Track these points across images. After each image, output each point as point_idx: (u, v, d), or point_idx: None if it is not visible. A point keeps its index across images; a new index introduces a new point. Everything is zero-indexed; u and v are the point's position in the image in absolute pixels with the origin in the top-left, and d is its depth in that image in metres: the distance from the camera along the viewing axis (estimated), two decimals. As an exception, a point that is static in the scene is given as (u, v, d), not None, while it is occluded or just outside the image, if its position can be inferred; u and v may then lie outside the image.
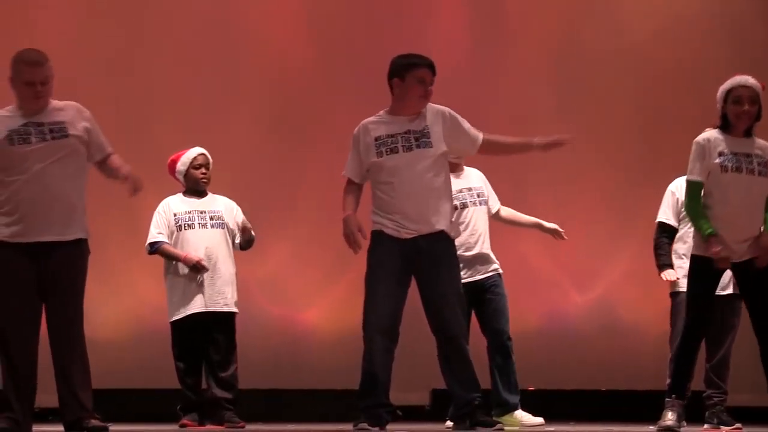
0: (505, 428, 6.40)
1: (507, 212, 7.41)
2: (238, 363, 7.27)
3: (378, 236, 5.96)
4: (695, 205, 6.18)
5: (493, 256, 7.15)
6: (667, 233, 7.15)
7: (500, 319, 7.10)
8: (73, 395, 5.63)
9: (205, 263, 7.13)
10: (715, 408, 6.98)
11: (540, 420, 7.20)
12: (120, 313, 8.86)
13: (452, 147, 6.05)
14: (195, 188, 7.36)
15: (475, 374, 6.03)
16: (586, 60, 9.51)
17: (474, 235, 7.08)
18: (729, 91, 6.17)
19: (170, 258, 7.23)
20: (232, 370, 7.21)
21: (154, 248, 7.26)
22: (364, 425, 5.88)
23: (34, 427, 5.75)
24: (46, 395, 5.81)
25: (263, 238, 7.62)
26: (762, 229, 6.15)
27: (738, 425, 6.90)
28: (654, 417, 6.48)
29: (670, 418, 6.26)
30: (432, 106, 6.06)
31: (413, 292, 6.03)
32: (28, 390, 5.64)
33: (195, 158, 7.36)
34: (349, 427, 6.00)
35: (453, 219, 6.29)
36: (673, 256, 7.12)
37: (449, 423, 6.59)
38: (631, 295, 9.23)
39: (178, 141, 7.70)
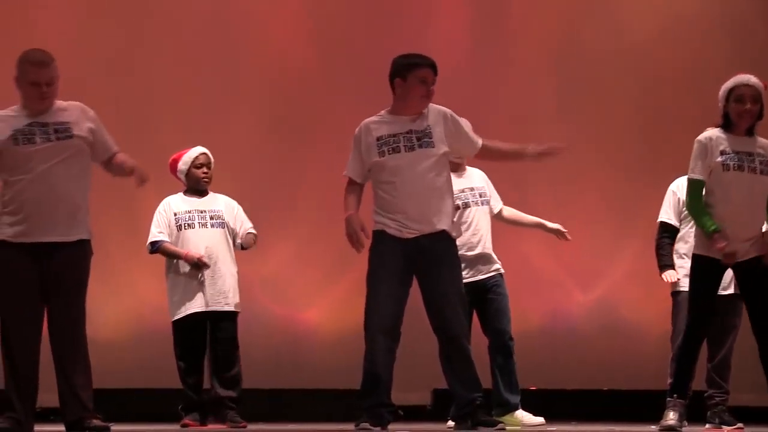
0: (507, 428, 6.39)
1: (509, 212, 7.41)
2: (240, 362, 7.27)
3: (380, 236, 5.95)
4: (697, 203, 6.19)
5: (494, 256, 7.15)
6: (668, 233, 7.15)
7: (502, 319, 7.10)
8: (75, 395, 5.63)
9: (206, 260, 7.13)
10: (716, 408, 6.97)
11: (540, 420, 7.20)
12: (121, 313, 8.86)
13: (453, 148, 6.06)
14: (196, 187, 7.36)
15: (477, 374, 6.02)
16: (586, 60, 9.51)
17: (476, 234, 7.08)
18: (731, 90, 6.18)
19: (171, 256, 7.23)
20: (235, 369, 7.21)
21: (155, 247, 7.25)
22: (366, 425, 5.87)
23: (36, 427, 5.74)
24: (48, 395, 5.80)
25: (264, 238, 7.62)
26: (765, 228, 6.15)
27: (740, 425, 6.89)
28: (656, 417, 6.48)
29: (671, 417, 6.27)
30: (433, 107, 6.06)
31: (414, 291, 6.03)
32: (29, 390, 5.64)
33: (197, 157, 7.36)
34: (351, 426, 6.00)
35: (455, 219, 6.29)
36: (675, 256, 7.12)
37: (450, 423, 6.59)
38: (632, 294, 9.23)
39: (179, 141, 7.69)
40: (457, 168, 6.91)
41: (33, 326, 5.64)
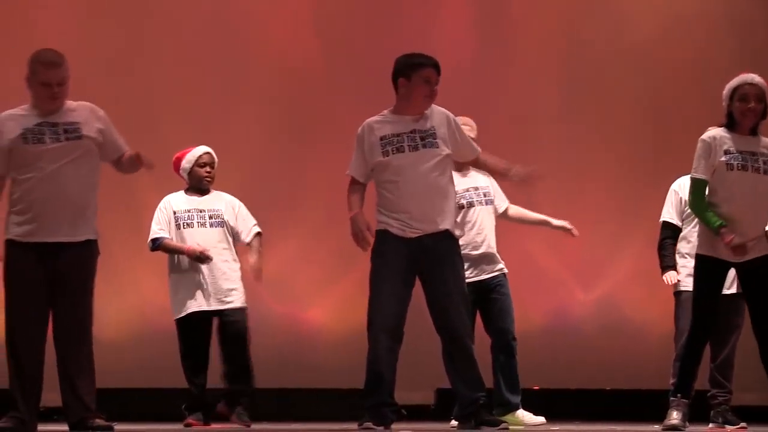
0: (510, 427, 6.39)
1: (515, 210, 7.39)
2: (244, 361, 7.28)
3: (383, 236, 5.95)
4: (700, 201, 6.18)
5: (498, 255, 7.15)
6: (671, 233, 7.15)
7: (506, 319, 7.10)
8: (77, 396, 5.63)
9: (209, 253, 7.12)
10: (720, 407, 6.97)
11: (541, 419, 7.20)
12: (124, 312, 8.85)
13: (453, 151, 6.06)
14: (198, 186, 7.36)
15: (480, 374, 6.03)
16: (590, 60, 9.50)
17: (480, 234, 7.07)
18: (735, 89, 6.18)
19: (173, 252, 7.23)
20: (241, 362, 7.18)
21: (156, 244, 7.26)
22: (369, 424, 5.88)
23: (39, 427, 5.74)
24: (52, 394, 5.80)
25: (267, 237, 7.61)
26: (769, 227, 6.16)
27: (743, 424, 6.89)
28: (658, 416, 6.48)
29: (675, 417, 6.27)
30: (436, 108, 6.07)
31: (418, 290, 6.02)
32: (34, 389, 5.64)
33: (200, 156, 7.36)
34: (354, 426, 6.01)
35: (459, 218, 6.31)
36: (677, 256, 7.12)
37: (454, 422, 6.59)
38: (635, 294, 9.22)
39: (180, 141, 7.69)
40: (462, 168, 6.90)
41: (38, 326, 5.64)
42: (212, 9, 9.37)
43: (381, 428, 5.87)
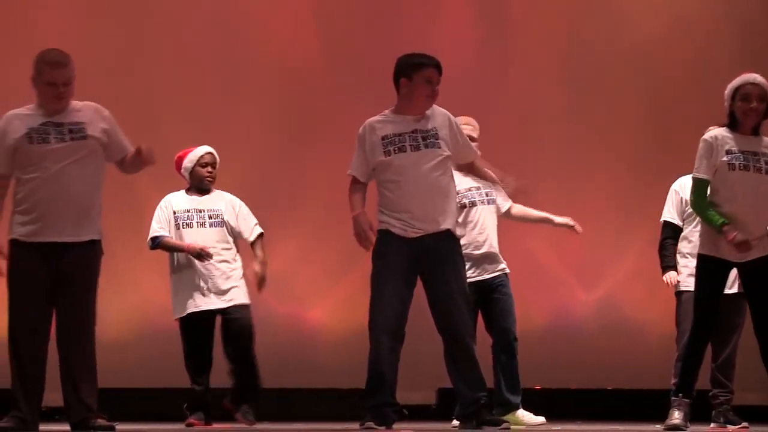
0: (512, 427, 6.40)
1: (518, 209, 7.38)
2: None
3: (384, 236, 5.95)
4: (702, 201, 6.18)
5: (500, 255, 7.14)
6: (672, 233, 7.14)
7: (507, 319, 7.09)
8: (79, 396, 5.63)
9: (209, 250, 7.11)
10: (721, 407, 6.97)
11: (541, 419, 7.19)
12: (125, 312, 8.85)
13: (453, 153, 6.07)
14: (199, 186, 7.36)
15: (481, 374, 6.03)
16: (592, 60, 9.51)
17: (482, 233, 7.06)
18: (737, 89, 6.18)
19: (173, 250, 7.23)
20: (248, 359, 7.16)
21: (156, 242, 7.26)
22: (371, 424, 5.87)
23: (41, 426, 5.74)
24: (54, 394, 5.80)
25: (269, 237, 7.60)
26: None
27: (745, 424, 6.89)
28: (660, 416, 6.48)
29: (676, 417, 6.27)
30: (437, 109, 6.08)
31: (419, 290, 6.02)
32: (36, 389, 5.64)
33: (202, 156, 7.36)
34: (356, 426, 6.00)
35: (461, 218, 6.31)
36: (678, 255, 7.12)
37: (455, 422, 6.59)
38: (637, 294, 9.22)
39: (180, 141, 7.68)
40: (464, 167, 6.90)
41: (41, 326, 5.64)
42: (212, 9, 9.37)
43: (382, 428, 5.87)
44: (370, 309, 5.95)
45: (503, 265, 7.14)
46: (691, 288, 6.60)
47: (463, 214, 6.87)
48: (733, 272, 6.38)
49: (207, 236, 7.22)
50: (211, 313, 7.20)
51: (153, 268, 8.04)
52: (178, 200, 7.34)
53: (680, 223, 7.12)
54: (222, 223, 7.28)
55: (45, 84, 5.67)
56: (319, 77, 9.32)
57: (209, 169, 7.36)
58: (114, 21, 9.16)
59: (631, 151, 9.44)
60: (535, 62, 9.49)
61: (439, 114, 6.06)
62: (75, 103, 5.77)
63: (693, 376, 6.29)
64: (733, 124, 6.21)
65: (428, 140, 5.96)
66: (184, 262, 7.20)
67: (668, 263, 7.11)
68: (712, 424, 6.95)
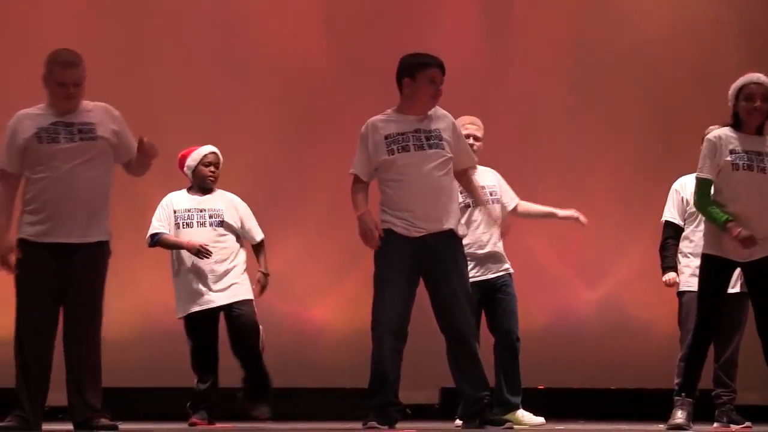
0: (515, 427, 6.40)
1: (523, 206, 7.36)
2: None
3: (387, 235, 5.95)
4: (705, 200, 6.18)
5: (505, 255, 7.13)
6: (673, 233, 7.14)
7: (511, 320, 7.08)
8: (83, 397, 5.63)
9: (209, 247, 7.11)
10: (724, 407, 6.96)
11: (541, 420, 7.19)
12: (126, 311, 8.84)
13: (453, 156, 6.07)
14: (201, 185, 7.36)
15: (484, 373, 6.04)
16: (596, 59, 9.50)
17: (486, 233, 7.05)
18: (741, 88, 6.18)
19: (172, 247, 7.22)
20: (255, 355, 7.15)
21: (155, 240, 7.26)
22: (373, 424, 5.87)
23: (44, 426, 5.74)
24: (57, 394, 5.79)
25: (271, 236, 7.61)
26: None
27: (748, 424, 6.88)
28: (663, 416, 6.48)
29: (679, 416, 6.27)
30: (440, 111, 6.10)
31: (422, 290, 6.02)
32: (40, 389, 5.64)
33: (206, 156, 7.36)
34: (358, 425, 6.00)
35: (465, 217, 6.32)
36: (679, 255, 7.11)
37: (458, 421, 6.59)
38: (639, 293, 9.21)
39: (181, 141, 7.67)
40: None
41: (48, 326, 5.65)
42: (213, 9, 9.37)
43: (385, 428, 5.87)
44: (372, 309, 5.95)
45: (507, 265, 7.13)
46: (693, 288, 6.60)
47: (467, 214, 6.87)
48: (736, 272, 6.38)
49: (207, 235, 7.21)
50: (214, 311, 7.19)
51: (155, 268, 8.04)
52: (179, 199, 7.34)
53: (681, 223, 7.11)
54: (222, 222, 7.28)
55: (56, 84, 5.68)
56: (320, 76, 9.32)
57: (212, 168, 7.36)
58: (114, 21, 9.15)
59: (635, 151, 9.43)
60: (538, 62, 9.49)
61: (442, 116, 6.07)
62: (86, 104, 5.78)
63: (696, 375, 6.28)
64: (736, 124, 6.21)
65: (432, 141, 5.96)
66: (186, 262, 7.20)
67: (668, 264, 7.11)
68: (715, 424, 6.95)
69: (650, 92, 9.51)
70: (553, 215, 7.42)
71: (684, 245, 7.09)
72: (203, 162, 7.35)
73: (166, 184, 7.46)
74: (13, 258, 5.65)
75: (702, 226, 6.58)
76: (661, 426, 6.46)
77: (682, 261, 7.07)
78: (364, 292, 6.23)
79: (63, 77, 5.66)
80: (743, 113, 6.17)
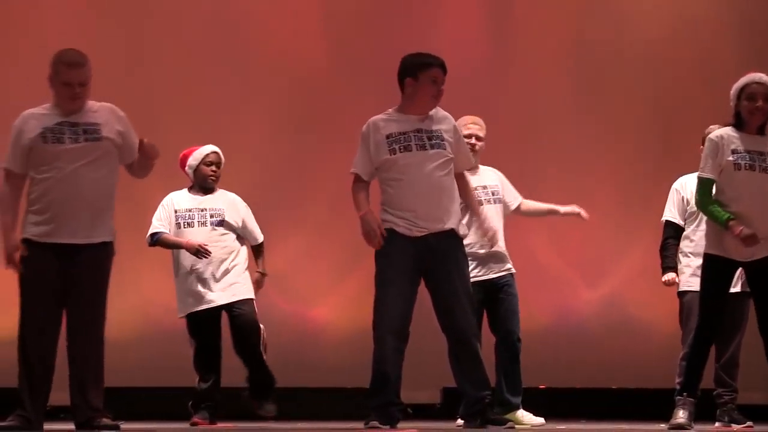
0: (516, 427, 6.40)
1: (526, 205, 7.36)
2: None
3: (389, 235, 5.95)
4: (707, 200, 6.18)
5: (507, 255, 7.13)
6: (674, 233, 7.14)
7: (512, 320, 7.08)
8: (85, 398, 5.64)
9: (208, 247, 7.11)
10: (725, 406, 6.97)
11: (541, 420, 7.18)
12: (127, 311, 8.84)
13: (453, 157, 6.07)
14: (202, 185, 7.37)
15: (486, 373, 6.04)
16: (598, 59, 9.50)
17: (488, 232, 7.05)
18: (743, 88, 6.18)
19: (172, 247, 7.23)
20: (256, 354, 7.15)
21: (155, 239, 7.26)
22: (375, 423, 5.87)
23: (46, 425, 5.74)
24: (59, 393, 5.79)
25: (273, 236, 7.62)
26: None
27: (749, 423, 6.89)
28: (664, 415, 6.48)
29: (681, 416, 6.27)
30: (441, 111, 6.11)
31: (423, 290, 6.02)
32: (42, 389, 5.64)
33: (207, 155, 7.36)
34: (360, 425, 6.00)
35: (466, 218, 6.32)
36: (680, 255, 7.11)
37: (460, 421, 6.59)
38: (641, 292, 9.20)
39: (182, 141, 7.67)
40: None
41: (51, 326, 5.65)
42: (213, 9, 9.37)
43: (387, 427, 5.87)
44: (374, 308, 5.95)
45: (509, 265, 7.13)
46: (694, 288, 6.61)
47: (469, 213, 6.86)
48: (737, 271, 6.38)
49: (208, 235, 7.21)
50: (215, 310, 7.19)
51: (156, 268, 8.04)
52: (180, 199, 7.34)
53: (682, 223, 7.11)
54: (223, 222, 7.28)
55: (61, 84, 5.68)
56: (321, 76, 9.32)
57: (213, 168, 7.36)
58: (114, 21, 9.15)
59: (636, 150, 9.43)
60: (538, 62, 9.49)
61: (443, 117, 6.08)
62: (92, 104, 5.78)
63: (697, 375, 6.29)
64: (738, 124, 6.21)
65: (434, 141, 5.97)
66: (186, 262, 7.20)
67: (668, 264, 7.11)
68: (716, 424, 6.95)
69: (650, 92, 9.51)
70: (555, 212, 7.43)
71: (684, 245, 7.09)
72: (205, 161, 7.35)
73: (167, 184, 7.46)
74: (19, 256, 5.65)
75: (703, 226, 6.59)
76: (663, 426, 6.46)
77: (683, 261, 7.07)
78: (365, 291, 6.23)
79: (69, 77, 5.66)
80: (745, 113, 6.18)
